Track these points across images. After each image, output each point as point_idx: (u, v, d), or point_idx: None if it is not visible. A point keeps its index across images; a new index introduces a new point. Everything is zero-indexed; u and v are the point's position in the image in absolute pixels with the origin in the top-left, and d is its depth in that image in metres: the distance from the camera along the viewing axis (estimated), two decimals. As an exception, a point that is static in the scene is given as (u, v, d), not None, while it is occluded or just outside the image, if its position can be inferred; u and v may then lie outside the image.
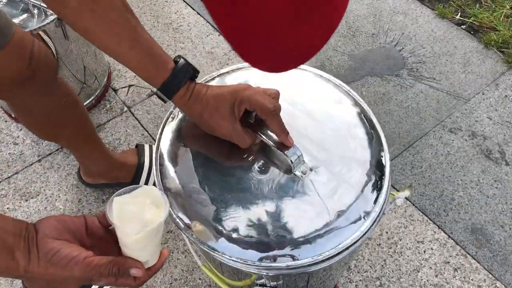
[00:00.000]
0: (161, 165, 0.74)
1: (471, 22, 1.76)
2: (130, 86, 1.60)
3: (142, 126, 1.49)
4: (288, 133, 0.68)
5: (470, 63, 1.63)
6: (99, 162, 1.26)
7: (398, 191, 0.83)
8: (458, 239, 1.24)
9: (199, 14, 1.80)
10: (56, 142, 1.31)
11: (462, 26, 1.75)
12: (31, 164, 1.42)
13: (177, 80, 0.66)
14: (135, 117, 1.52)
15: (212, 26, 1.76)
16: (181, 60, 0.67)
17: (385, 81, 1.58)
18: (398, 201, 0.81)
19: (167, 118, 0.79)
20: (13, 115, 1.50)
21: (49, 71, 0.95)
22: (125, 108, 1.54)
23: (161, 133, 0.77)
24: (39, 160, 1.42)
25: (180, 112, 0.79)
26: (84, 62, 1.45)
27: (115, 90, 1.60)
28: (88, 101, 1.53)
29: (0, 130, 1.50)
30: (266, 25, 0.38)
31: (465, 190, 1.33)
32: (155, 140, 1.46)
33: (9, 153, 1.44)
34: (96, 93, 1.55)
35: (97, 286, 0.97)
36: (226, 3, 0.36)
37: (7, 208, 1.33)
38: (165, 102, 0.69)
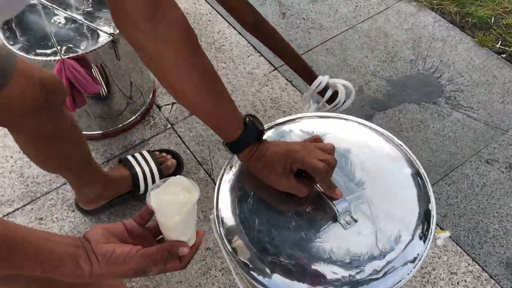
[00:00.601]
0: (219, 195, 0.80)
1: (511, 51, 1.76)
2: (173, 103, 1.67)
3: (184, 144, 1.55)
4: (335, 188, 0.74)
5: (509, 93, 1.64)
6: (97, 183, 1.31)
7: (441, 229, 0.86)
8: (493, 272, 1.25)
9: (240, 34, 1.86)
10: (60, 171, 1.29)
11: (502, 55, 1.76)
12: (78, 176, 1.49)
13: (243, 143, 0.75)
14: (178, 134, 1.58)
15: (253, 47, 1.81)
16: (251, 124, 0.76)
17: (423, 108, 1.60)
18: (438, 241, 0.85)
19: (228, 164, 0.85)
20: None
21: (61, 94, 1.04)
22: (169, 125, 1.61)
23: (223, 172, 0.83)
24: (86, 173, 1.50)
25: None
26: (131, 78, 1.51)
27: (159, 107, 1.66)
28: (133, 117, 1.60)
29: (51, 141, 1.58)
30: None
31: (500, 223, 1.34)
32: (195, 158, 1.52)
33: (59, 164, 1.52)
34: (142, 109, 1.62)
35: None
36: None
37: (56, 218, 1.40)
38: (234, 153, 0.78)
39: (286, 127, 0.88)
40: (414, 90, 1.66)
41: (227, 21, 1.91)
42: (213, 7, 1.96)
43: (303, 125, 0.88)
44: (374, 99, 1.64)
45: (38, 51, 1.30)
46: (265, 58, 1.77)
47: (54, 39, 1.22)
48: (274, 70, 1.74)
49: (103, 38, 1.34)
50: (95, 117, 1.51)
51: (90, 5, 1.41)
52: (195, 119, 1.62)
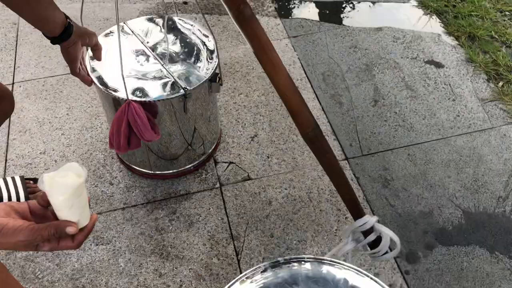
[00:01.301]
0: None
1: None
2: (230, 163, 1.61)
3: (225, 210, 1.48)
4: None
5: None
6: None
7: None
8: None
9: (323, 110, 1.76)
10: None
11: None
12: (115, 210, 1.48)
13: (68, 32, 1.06)
14: (223, 198, 1.51)
15: (331, 127, 1.71)
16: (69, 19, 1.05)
17: (495, 259, 1.38)
18: None
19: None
20: (119, 156, 1.59)
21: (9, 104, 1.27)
22: (218, 185, 1.55)
23: None
24: (123, 208, 1.49)
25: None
26: (196, 124, 1.47)
27: (216, 162, 1.61)
28: (188, 166, 1.56)
29: (105, 164, 1.60)
30: None
31: None
32: (230, 229, 1.43)
33: (102, 190, 1.53)
34: (198, 160, 1.58)
35: None
36: None
37: (79, 245, 1.40)
38: (53, 43, 1.05)
39: (308, 268, 0.78)
40: (491, 233, 1.44)
41: (314, 92, 1.82)
42: (306, 74, 1.89)
43: (329, 271, 0.77)
44: (441, 229, 1.45)
45: (111, 85, 1.31)
46: (340, 144, 1.66)
47: (124, 81, 1.22)
48: (344, 159, 1.62)
49: (176, 90, 1.31)
50: (150, 152, 1.49)
51: (177, 54, 1.40)
52: (246, 186, 1.54)
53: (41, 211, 0.72)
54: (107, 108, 1.41)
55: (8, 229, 0.66)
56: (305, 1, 2.21)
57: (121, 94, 1.29)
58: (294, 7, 2.18)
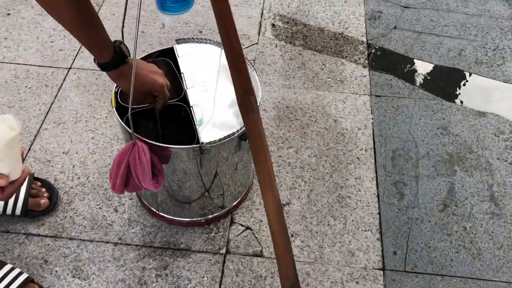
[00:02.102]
0: None
1: None
2: (247, 228, 1.39)
3: (220, 286, 1.27)
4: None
5: None
6: None
7: None
8: None
9: (378, 197, 1.46)
10: None
11: None
12: (107, 242, 1.34)
13: (112, 66, 0.97)
14: (223, 269, 1.30)
15: (379, 221, 1.40)
16: (119, 50, 0.96)
17: None
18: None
19: None
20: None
21: None
22: (223, 250, 1.34)
23: None
24: (116, 244, 1.34)
25: None
26: (218, 169, 1.25)
27: (233, 222, 1.40)
28: (199, 218, 1.37)
29: (118, 186, 1.45)
30: None
31: None
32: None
33: (104, 215, 1.39)
34: (214, 213, 1.38)
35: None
36: None
37: (55, 271, 1.28)
38: (102, 70, 0.98)
39: None
40: None
41: (376, 171, 1.52)
42: (374, 145, 1.59)
43: None
44: None
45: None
46: (382, 247, 1.36)
47: (131, 118, 1.04)
48: (381, 269, 1.32)
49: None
50: (161, 189, 1.30)
51: (220, 94, 1.21)
52: (253, 264, 1.31)
53: None
54: (122, 136, 1.26)
55: None
56: (407, 56, 1.89)
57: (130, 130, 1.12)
58: (390, 60, 1.87)
